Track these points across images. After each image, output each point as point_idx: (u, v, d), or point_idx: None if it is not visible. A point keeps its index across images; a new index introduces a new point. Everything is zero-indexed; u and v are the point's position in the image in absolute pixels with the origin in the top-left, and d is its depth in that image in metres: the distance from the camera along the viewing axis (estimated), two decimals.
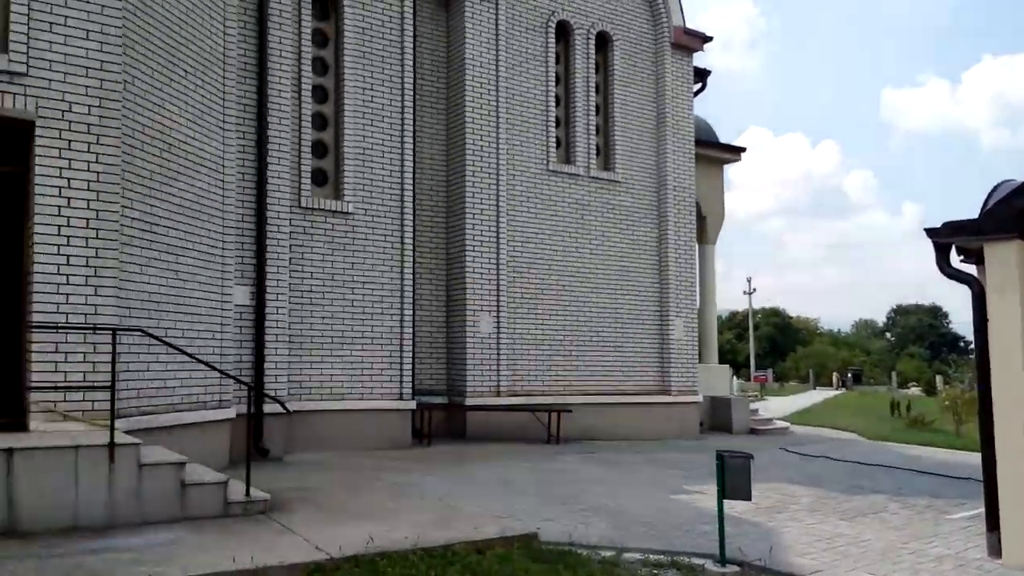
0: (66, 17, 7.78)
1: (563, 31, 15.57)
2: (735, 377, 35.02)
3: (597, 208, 15.53)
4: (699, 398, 16.45)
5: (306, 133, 12.03)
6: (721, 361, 21.28)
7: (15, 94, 7.47)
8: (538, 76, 15.00)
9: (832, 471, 12.03)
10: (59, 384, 7.45)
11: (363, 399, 12.29)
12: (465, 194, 13.99)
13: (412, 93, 13.08)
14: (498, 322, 14.09)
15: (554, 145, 15.12)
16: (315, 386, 11.93)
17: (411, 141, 13.01)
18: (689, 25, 16.74)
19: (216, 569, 5.33)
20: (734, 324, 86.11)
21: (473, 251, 13.96)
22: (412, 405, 12.73)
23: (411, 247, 12.90)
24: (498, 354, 14.03)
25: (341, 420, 11.98)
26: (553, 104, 15.18)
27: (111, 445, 6.50)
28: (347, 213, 12.34)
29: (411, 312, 12.81)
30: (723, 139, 20.31)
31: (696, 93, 17.48)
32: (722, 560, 6.36)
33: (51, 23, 7.69)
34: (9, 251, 7.85)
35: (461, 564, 5.82)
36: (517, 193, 14.58)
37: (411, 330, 12.80)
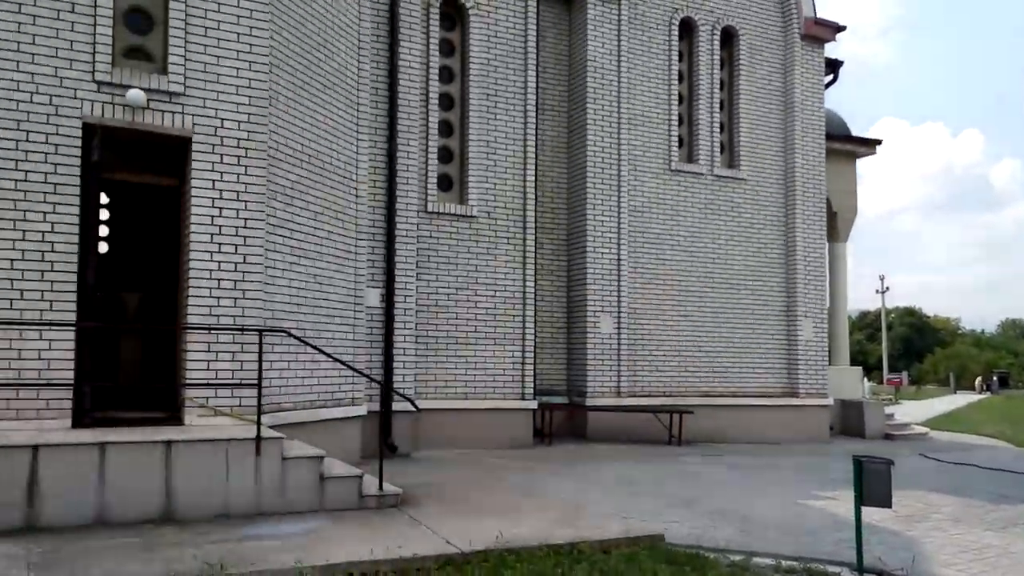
0: (219, 40, 8.33)
1: (687, 27, 15.36)
2: (866, 380, 33.43)
3: (721, 207, 15.25)
4: (829, 401, 15.89)
5: (432, 140, 12.39)
6: (852, 363, 20.44)
7: (174, 113, 8.08)
8: (660, 75, 14.88)
9: (976, 479, 11.37)
10: (211, 381, 7.97)
11: (486, 399, 12.55)
12: (586, 195, 14.04)
13: (535, 96, 13.24)
14: (619, 322, 14.07)
15: (676, 144, 14.95)
16: (440, 385, 12.28)
17: (533, 144, 13.18)
18: (820, 14, 16.18)
19: (355, 559, 5.61)
20: (865, 324, 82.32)
21: (594, 251, 14.00)
22: (534, 405, 12.90)
23: (532, 249, 13.07)
24: (619, 355, 14.02)
25: (465, 419, 12.28)
26: (676, 102, 15.00)
27: (258, 439, 6.94)
28: (471, 217, 12.64)
29: (532, 313, 12.98)
30: (855, 131, 19.50)
31: (827, 85, 16.83)
32: (859, 569, 6.13)
33: (205, 46, 8.26)
34: (168, 258, 8.50)
35: (587, 562, 5.89)
36: (638, 193, 14.51)
37: (533, 331, 12.96)
